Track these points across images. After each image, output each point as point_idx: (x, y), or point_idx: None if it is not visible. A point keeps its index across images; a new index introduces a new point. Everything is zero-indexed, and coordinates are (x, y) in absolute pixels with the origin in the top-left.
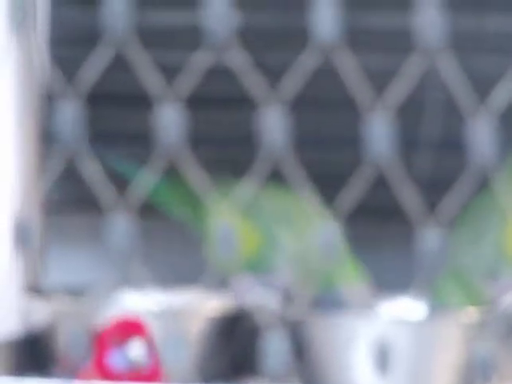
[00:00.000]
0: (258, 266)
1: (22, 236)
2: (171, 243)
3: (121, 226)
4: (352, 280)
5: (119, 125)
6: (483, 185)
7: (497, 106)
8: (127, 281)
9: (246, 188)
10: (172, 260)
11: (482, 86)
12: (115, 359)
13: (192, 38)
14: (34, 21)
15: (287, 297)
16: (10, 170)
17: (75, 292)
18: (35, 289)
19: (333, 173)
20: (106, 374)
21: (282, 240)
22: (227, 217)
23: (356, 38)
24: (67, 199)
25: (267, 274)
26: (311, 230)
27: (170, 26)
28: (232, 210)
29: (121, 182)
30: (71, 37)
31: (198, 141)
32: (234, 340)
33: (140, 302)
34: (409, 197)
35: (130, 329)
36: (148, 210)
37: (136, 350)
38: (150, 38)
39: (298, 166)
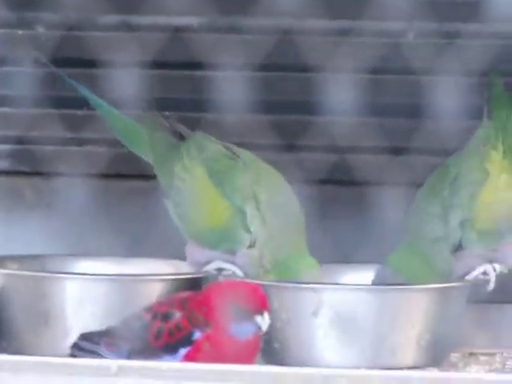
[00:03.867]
0: (222, 240)
1: None
2: (133, 207)
3: (74, 189)
4: (310, 269)
5: None
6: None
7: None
8: (82, 247)
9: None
10: (133, 225)
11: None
12: (241, 329)
13: None
14: None
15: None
16: None
17: (27, 261)
18: None
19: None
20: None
21: (251, 217)
22: (196, 180)
23: None
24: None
25: (229, 251)
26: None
27: None
28: (201, 172)
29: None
30: None
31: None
32: None
33: (94, 268)
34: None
35: (261, 302)
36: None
37: (266, 321)
38: None
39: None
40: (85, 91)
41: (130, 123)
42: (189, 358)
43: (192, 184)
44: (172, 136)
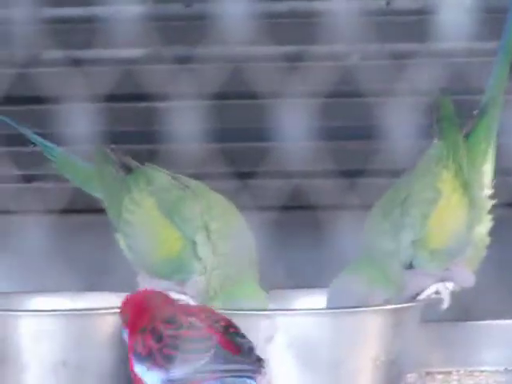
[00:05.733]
0: (174, 271)
1: None
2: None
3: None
4: (255, 297)
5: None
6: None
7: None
8: (36, 284)
9: (167, 183)
10: (87, 259)
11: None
12: None
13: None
14: None
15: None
16: None
17: None
18: None
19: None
20: None
21: (202, 246)
22: (146, 211)
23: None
24: None
25: (181, 281)
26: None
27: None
28: (151, 204)
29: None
30: None
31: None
32: None
33: (50, 304)
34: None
35: None
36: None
37: None
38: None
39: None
40: (31, 134)
41: (78, 162)
42: None
43: (141, 216)
44: (120, 170)
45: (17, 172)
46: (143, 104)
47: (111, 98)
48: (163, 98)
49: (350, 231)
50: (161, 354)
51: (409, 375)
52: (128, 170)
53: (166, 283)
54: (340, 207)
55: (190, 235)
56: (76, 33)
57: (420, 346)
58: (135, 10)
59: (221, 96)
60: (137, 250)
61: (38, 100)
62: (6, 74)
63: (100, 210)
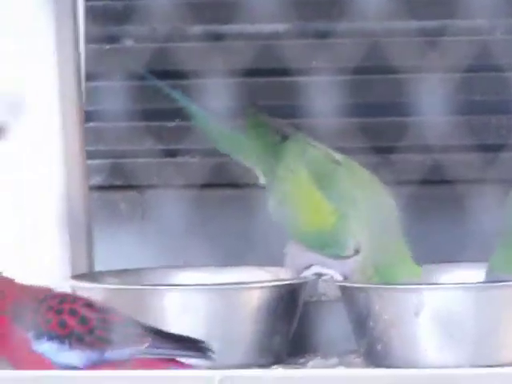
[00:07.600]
0: (326, 245)
1: (69, 220)
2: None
3: (168, 200)
4: (413, 276)
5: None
6: None
7: None
8: (178, 258)
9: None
10: (229, 233)
11: None
12: None
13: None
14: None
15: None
16: (55, 153)
17: (126, 275)
18: (83, 273)
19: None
20: None
21: (356, 222)
22: (299, 182)
23: None
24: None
25: (332, 256)
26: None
27: None
28: (304, 175)
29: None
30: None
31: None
32: (293, 315)
33: (193, 279)
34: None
35: None
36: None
37: None
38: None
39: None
40: (182, 97)
41: (228, 130)
42: None
43: (294, 185)
44: (275, 135)
45: (160, 147)
46: (284, 79)
47: (252, 72)
48: (304, 72)
49: (491, 205)
50: (93, 335)
51: None
52: (283, 136)
53: (315, 256)
54: (480, 181)
55: (344, 210)
56: (218, 7)
57: None
58: None
59: (361, 71)
60: (288, 218)
61: (180, 75)
62: (147, 48)
63: (241, 185)
